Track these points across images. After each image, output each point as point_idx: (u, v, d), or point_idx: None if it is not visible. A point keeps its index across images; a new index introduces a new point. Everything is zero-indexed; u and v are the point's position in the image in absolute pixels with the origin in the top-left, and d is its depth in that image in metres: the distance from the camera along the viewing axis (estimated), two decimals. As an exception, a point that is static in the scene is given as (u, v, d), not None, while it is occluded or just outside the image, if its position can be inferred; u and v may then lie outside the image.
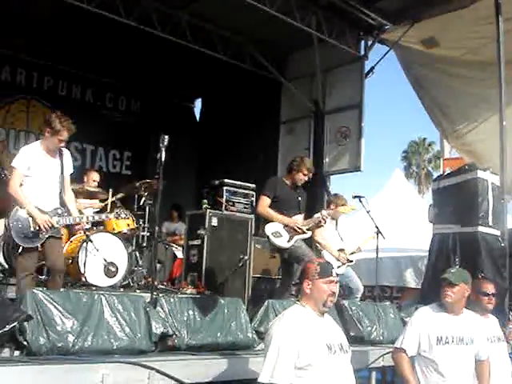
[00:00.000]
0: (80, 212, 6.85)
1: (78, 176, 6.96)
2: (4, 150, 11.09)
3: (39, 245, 5.69)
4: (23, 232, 5.61)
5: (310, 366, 3.54)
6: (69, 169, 6.02)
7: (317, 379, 3.55)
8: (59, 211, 5.83)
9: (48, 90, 12.20)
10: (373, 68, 11.28)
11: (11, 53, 11.73)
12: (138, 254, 8.33)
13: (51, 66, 12.31)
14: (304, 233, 6.96)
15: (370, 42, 11.15)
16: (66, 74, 12.56)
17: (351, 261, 8.30)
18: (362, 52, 11.16)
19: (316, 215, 7.21)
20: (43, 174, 5.77)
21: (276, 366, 3.48)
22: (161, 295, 5.62)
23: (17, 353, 4.23)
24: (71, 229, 7.43)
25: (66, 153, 6.02)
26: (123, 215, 6.73)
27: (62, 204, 5.91)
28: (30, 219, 5.63)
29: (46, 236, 5.67)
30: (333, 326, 3.92)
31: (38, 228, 5.62)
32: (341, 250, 8.25)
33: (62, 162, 5.91)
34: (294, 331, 3.58)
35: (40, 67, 12.26)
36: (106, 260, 7.35)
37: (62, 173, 5.90)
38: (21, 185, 5.71)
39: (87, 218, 6.35)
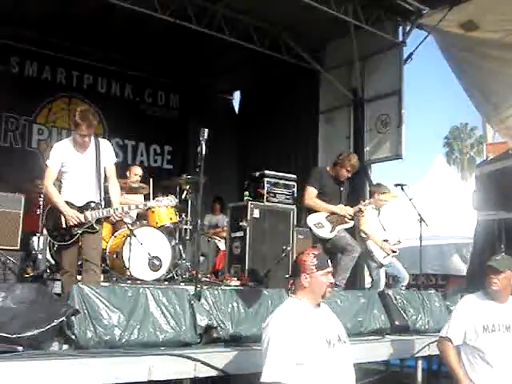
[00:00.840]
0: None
1: (120, 172, 6.96)
2: (47, 149, 11.29)
3: (74, 240, 5.64)
4: (56, 229, 5.67)
5: (310, 361, 3.50)
6: (108, 159, 5.89)
7: (316, 374, 3.51)
8: (92, 205, 5.71)
9: (88, 87, 12.37)
10: (411, 54, 11.10)
11: (52, 53, 11.92)
12: (181, 247, 8.39)
13: (90, 65, 12.47)
14: (347, 222, 6.97)
15: (407, 28, 10.96)
16: (105, 72, 12.71)
17: (395, 251, 8.22)
18: (400, 38, 10.99)
19: (364, 203, 7.20)
20: (76, 169, 5.71)
21: (277, 364, 3.43)
22: (205, 287, 5.65)
23: (65, 346, 4.29)
24: (113, 222, 7.43)
25: (105, 143, 5.92)
26: (166, 202, 6.18)
27: (102, 196, 5.81)
28: (62, 216, 5.62)
29: (80, 232, 5.62)
30: (329, 316, 3.88)
31: (69, 224, 5.59)
32: (385, 241, 8.18)
33: (96, 153, 5.78)
34: (291, 327, 3.53)
35: (79, 66, 12.43)
36: (149, 254, 7.43)
37: (97, 165, 5.77)
38: (60, 182, 5.76)
39: (122, 208, 5.94)
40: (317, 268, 3.75)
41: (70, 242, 5.63)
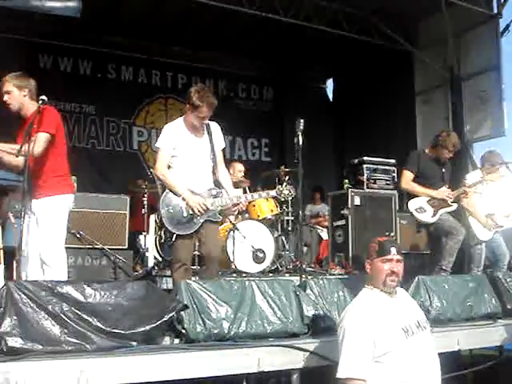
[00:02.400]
0: None
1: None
2: (148, 149, 11.64)
3: (193, 232, 5.37)
4: (176, 218, 5.32)
5: (388, 353, 3.42)
6: (220, 143, 5.65)
7: (396, 366, 3.43)
8: (213, 192, 5.46)
9: (182, 87, 12.58)
10: (508, 26, 10.64)
11: (145, 56, 12.24)
12: (284, 239, 8.43)
13: (183, 65, 12.69)
14: (450, 205, 6.78)
15: (502, -1, 10.55)
16: (197, 70, 12.86)
17: (501, 226, 7.84)
18: (495, 10, 10.55)
19: (468, 185, 6.99)
20: (191, 153, 5.40)
21: (352, 359, 3.38)
22: (309, 278, 5.65)
23: (176, 341, 4.38)
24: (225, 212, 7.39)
25: (215, 126, 5.63)
26: (286, 191, 5.76)
27: (216, 184, 5.53)
28: (182, 203, 5.32)
29: (202, 220, 5.33)
30: (406, 303, 3.78)
31: (191, 212, 5.30)
32: (488, 216, 7.84)
33: (210, 137, 5.52)
34: (366, 321, 3.46)
35: (173, 66, 12.68)
36: (253, 247, 7.52)
37: (212, 149, 5.50)
38: (169, 167, 5.43)
39: (246, 196, 5.79)
40: (377, 254, 3.69)
41: (191, 232, 5.35)
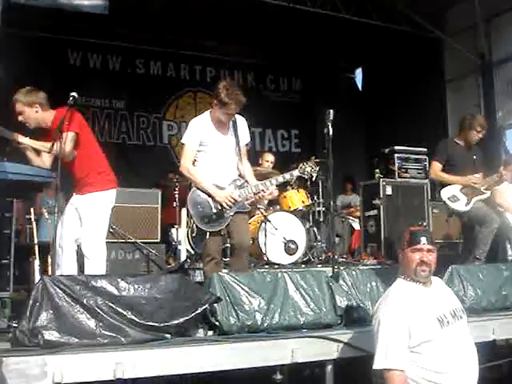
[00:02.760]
0: None
1: (251, 160, 6.88)
2: (178, 143, 11.69)
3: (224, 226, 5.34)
4: (206, 215, 5.32)
5: (423, 344, 3.40)
6: (245, 138, 5.59)
7: (432, 356, 3.39)
8: (238, 183, 5.44)
9: (211, 80, 12.61)
10: (541, 9, 10.45)
11: (173, 50, 12.32)
12: (315, 230, 8.41)
13: (211, 58, 12.76)
14: (482, 193, 6.69)
15: (533, -20, 10.32)
16: (226, 63, 12.92)
17: None
18: (527, -7, 10.36)
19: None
20: (217, 147, 5.38)
21: (388, 350, 3.35)
22: (342, 268, 5.63)
23: (210, 333, 4.40)
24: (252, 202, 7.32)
25: (241, 121, 5.57)
26: (308, 168, 5.66)
27: (241, 176, 5.51)
28: (210, 199, 5.32)
29: (232, 214, 5.32)
30: (442, 292, 3.73)
31: (220, 207, 5.29)
32: None
33: (236, 131, 5.48)
34: (401, 312, 3.44)
35: (201, 60, 12.77)
36: (285, 238, 7.52)
37: (237, 144, 5.48)
38: (194, 162, 5.42)
39: (270, 181, 5.58)
40: (408, 244, 3.65)
41: (222, 227, 5.32)
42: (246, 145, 5.67)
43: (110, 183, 5.29)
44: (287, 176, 5.84)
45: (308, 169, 5.68)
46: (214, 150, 5.39)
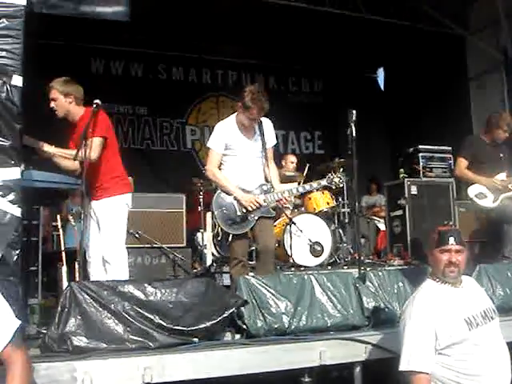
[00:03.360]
0: None
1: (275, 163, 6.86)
2: (201, 147, 11.74)
3: (249, 229, 5.38)
4: (230, 218, 5.34)
5: (452, 346, 3.35)
6: (271, 140, 5.58)
7: (461, 358, 3.35)
8: (264, 187, 5.44)
9: (233, 84, 12.65)
10: None
11: (195, 55, 12.37)
12: (341, 231, 8.39)
13: (233, 62, 12.76)
14: (510, 190, 6.62)
15: (558, -25, 10.18)
16: (247, 66, 12.97)
17: None
18: (550, -14, 10.23)
19: None
20: (243, 151, 5.39)
21: (413, 352, 3.32)
22: (368, 269, 5.58)
23: (237, 336, 4.41)
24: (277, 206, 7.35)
25: (267, 123, 5.57)
26: (336, 179, 5.71)
27: (267, 180, 5.51)
28: (235, 202, 5.34)
29: (256, 218, 5.34)
30: (472, 293, 3.66)
31: (245, 210, 5.31)
32: None
33: (262, 134, 5.47)
34: (427, 313, 3.39)
35: (223, 64, 12.77)
36: (310, 240, 7.50)
37: (263, 147, 5.48)
38: (221, 166, 5.44)
39: (297, 189, 5.72)
40: (436, 244, 3.60)
41: (246, 230, 5.36)
42: (272, 147, 5.65)
43: (125, 187, 5.30)
44: (314, 185, 5.96)
45: (336, 179, 5.71)
46: (240, 154, 5.41)
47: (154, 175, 11.13)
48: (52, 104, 5.15)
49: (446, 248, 3.58)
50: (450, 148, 8.49)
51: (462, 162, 6.80)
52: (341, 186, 5.97)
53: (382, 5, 10.56)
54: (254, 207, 5.31)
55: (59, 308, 3.88)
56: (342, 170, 8.32)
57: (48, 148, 5.00)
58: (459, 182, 7.67)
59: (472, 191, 6.71)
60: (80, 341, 3.80)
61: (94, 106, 4.94)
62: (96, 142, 4.95)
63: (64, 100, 5.14)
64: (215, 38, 11.76)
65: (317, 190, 7.68)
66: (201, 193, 8.27)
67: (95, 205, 5.19)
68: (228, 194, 5.39)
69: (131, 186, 5.40)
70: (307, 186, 5.99)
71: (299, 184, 8.17)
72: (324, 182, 5.78)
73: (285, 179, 8.21)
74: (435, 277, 3.63)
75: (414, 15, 10.84)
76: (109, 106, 11.12)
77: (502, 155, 6.82)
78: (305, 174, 8.58)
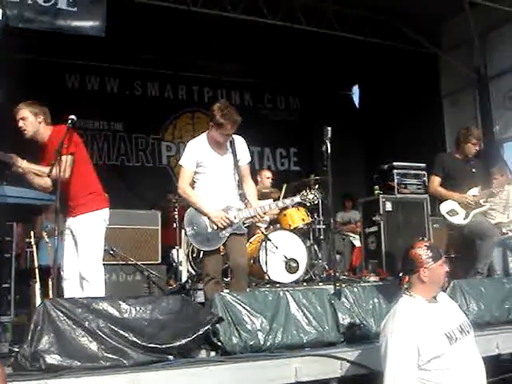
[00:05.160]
0: None
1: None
2: (177, 164, 11.69)
3: (221, 246, 5.38)
4: (201, 235, 5.36)
5: (432, 360, 3.37)
6: (245, 158, 5.56)
7: (441, 373, 3.37)
8: (236, 205, 5.44)
9: (209, 100, 12.66)
10: (534, 23, 10.49)
11: (170, 71, 12.38)
12: (316, 248, 8.40)
13: (208, 78, 12.79)
14: (481, 205, 6.70)
15: (527, -4, 10.37)
16: (223, 83, 13.00)
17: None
18: (520, 8, 10.41)
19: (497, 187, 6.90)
20: (215, 168, 5.39)
21: (397, 373, 3.33)
22: (344, 286, 5.59)
23: (213, 353, 4.38)
24: (251, 225, 7.30)
25: (240, 141, 5.58)
26: (310, 196, 5.68)
27: (241, 196, 5.50)
28: (206, 219, 5.34)
29: (227, 234, 5.33)
30: (448, 307, 3.70)
31: (216, 227, 5.30)
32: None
33: (234, 151, 5.48)
34: (409, 329, 3.41)
35: (199, 80, 12.82)
36: (286, 257, 7.49)
37: (235, 164, 5.47)
38: (193, 183, 5.45)
39: (269, 206, 5.66)
40: (433, 259, 3.62)
41: (217, 246, 5.35)
42: (247, 164, 5.65)
43: (102, 202, 5.27)
44: (287, 202, 6.01)
45: (310, 196, 5.70)
46: (212, 171, 5.42)
47: (129, 191, 11.06)
48: (21, 123, 5.10)
49: (443, 260, 3.66)
50: (424, 165, 8.56)
51: (435, 179, 6.88)
52: (315, 202, 5.85)
53: (357, 23, 10.67)
54: (225, 224, 5.30)
55: (32, 325, 3.83)
56: (317, 186, 8.39)
57: (22, 163, 4.96)
58: (433, 199, 7.75)
59: (444, 208, 6.78)
60: (53, 359, 3.75)
61: (69, 121, 4.91)
62: (68, 160, 4.93)
63: (34, 119, 5.11)
64: (191, 55, 11.80)
65: (292, 206, 7.71)
66: (176, 209, 8.24)
67: (72, 222, 5.14)
68: (198, 211, 5.39)
69: (108, 202, 5.36)
70: (280, 203, 6.08)
71: (276, 200, 8.20)
72: (297, 199, 5.78)
73: (261, 196, 8.23)
74: (416, 293, 3.63)
75: (388, 33, 10.97)
76: (84, 121, 11.13)
77: (474, 170, 6.89)
78: (282, 194, 8.56)
